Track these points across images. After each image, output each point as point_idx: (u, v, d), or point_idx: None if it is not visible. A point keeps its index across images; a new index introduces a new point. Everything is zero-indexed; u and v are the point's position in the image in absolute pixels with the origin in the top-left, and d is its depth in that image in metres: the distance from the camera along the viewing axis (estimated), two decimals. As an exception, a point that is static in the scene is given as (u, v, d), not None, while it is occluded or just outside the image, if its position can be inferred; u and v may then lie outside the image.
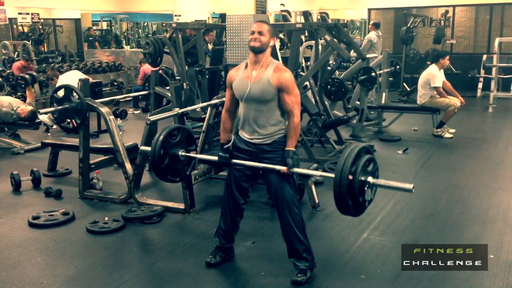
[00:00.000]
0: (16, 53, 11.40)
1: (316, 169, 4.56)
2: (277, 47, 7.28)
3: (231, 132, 3.26)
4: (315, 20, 10.52)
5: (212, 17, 12.89)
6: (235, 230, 3.35)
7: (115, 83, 10.66)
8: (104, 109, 4.67)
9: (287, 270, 3.20)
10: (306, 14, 9.58)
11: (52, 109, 4.55)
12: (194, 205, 4.29)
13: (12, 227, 4.06)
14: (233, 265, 3.37)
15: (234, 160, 3.17)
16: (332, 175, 2.70)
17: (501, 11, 12.25)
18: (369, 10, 13.42)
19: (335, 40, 5.64)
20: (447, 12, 12.33)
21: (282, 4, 10.72)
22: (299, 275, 3.10)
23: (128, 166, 4.57)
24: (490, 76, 9.71)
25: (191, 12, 10.92)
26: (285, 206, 3.09)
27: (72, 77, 6.90)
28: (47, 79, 7.76)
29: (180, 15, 11.13)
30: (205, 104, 5.37)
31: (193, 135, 3.53)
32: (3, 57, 10.67)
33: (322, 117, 6.12)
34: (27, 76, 7.13)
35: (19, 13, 12.24)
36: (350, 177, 2.63)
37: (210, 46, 8.47)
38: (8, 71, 8.57)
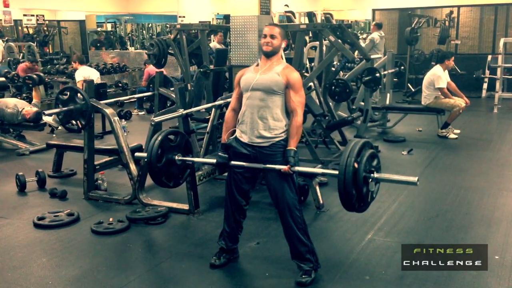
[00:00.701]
0: (21, 54, 11.45)
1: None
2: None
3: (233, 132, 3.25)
4: (319, 21, 10.52)
5: (216, 18, 12.91)
6: (239, 231, 3.35)
7: (120, 84, 10.68)
8: (108, 110, 4.68)
9: (291, 271, 3.20)
10: (310, 15, 9.58)
11: (57, 110, 4.57)
12: (198, 206, 4.30)
13: (17, 228, 4.07)
14: (237, 266, 3.37)
15: (233, 162, 3.16)
16: (334, 172, 2.73)
17: (506, 11, 12.21)
18: (373, 10, 13.39)
19: (339, 41, 5.64)
20: (451, 12, 12.30)
21: (286, 5, 10.70)
22: (303, 276, 3.10)
23: (132, 167, 4.58)
24: (495, 76, 9.68)
25: (195, 13, 10.94)
26: (286, 209, 3.08)
27: (91, 72, 7.71)
28: (72, 60, 8.15)
29: (184, 16, 11.16)
30: (209, 105, 5.38)
31: (191, 142, 3.53)
32: (9, 58, 10.72)
33: (327, 118, 6.12)
34: (34, 76, 7.18)
35: (24, 15, 12.31)
36: (356, 165, 2.65)
37: (218, 46, 8.49)
38: (13, 72, 8.60)
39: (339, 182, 2.68)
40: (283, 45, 3.11)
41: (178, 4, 11.67)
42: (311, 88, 6.22)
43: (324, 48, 6.66)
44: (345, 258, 3.46)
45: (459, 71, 10.62)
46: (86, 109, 4.48)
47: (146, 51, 7.05)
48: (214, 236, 3.71)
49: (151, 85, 6.01)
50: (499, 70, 9.52)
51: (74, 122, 4.58)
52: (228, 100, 4.54)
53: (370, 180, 2.70)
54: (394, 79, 8.28)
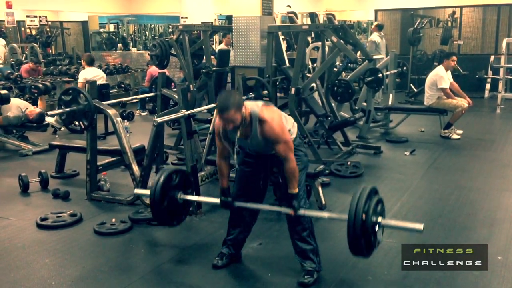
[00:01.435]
0: (24, 55, 11.48)
1: (323, 170, 4.57)
2: (284, 48, 7.30)
3: (229, 177, 3.22)
4: (321, 21, 10.52)
5: (219, 19, 12.90)
6: (246, 234, 3.38)
7: (122, 85, 10.69)
8: (111, 111, 4.69)
9: (294, 272, 3.20)
10: (313, 16, 9.57)
11: (60, 111, 4.57)
12: (201, 207, 4.30)
13: (20, 228, 4.08)
14: (240, 266, 3.37)
15: (237, 203, 3.16)
16: (343, 217, 2.73)
17: (509, 12, 12.19)
18: (376, 11, 13.38)
19: (341, 41, 5.64)
20: (454, 13, 12.28)
21: (289, 6, 10.72)
22: (305, 276, 3.10)
23: (135, 167, 4.58)
24: (498, 77, 9.67)
25: (197, 14, 10.94)
26: None
27: (96, 73, 7.84)
28: (83, 59, 8.21)
29: (186, 17, 11.15)
30: (211, 106, 5.38)
31: (190, 177, 3.55)
32: (11, 59, 10.74)
33: (329, 118, 6.12)
34: (40, 86, 7.23)
35: (27, 16, 12.32)
36: (364, 216, 2.65)
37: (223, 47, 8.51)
38: (16, 73, 8.62)
39: (349, 233, 2.68)
40: (243, 109, 2.88)
41: (181, 5, 11.67)
42: (314, 89, 6.22)
43: (326, 48, 6.65)
44: (347, 258, 3.45)
45: (462, 71, 10.61)
46: (88, 110, 4.48)
47: (149, 52, 7.04)
48: (216, 236, 3.71)
49: (153, 86, 6.01)
50: (501, 71, 9.51)
51: (76, 123, 4.58)
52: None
53: (377, 227, 2.73)
54: (397, 80, 8.25)
